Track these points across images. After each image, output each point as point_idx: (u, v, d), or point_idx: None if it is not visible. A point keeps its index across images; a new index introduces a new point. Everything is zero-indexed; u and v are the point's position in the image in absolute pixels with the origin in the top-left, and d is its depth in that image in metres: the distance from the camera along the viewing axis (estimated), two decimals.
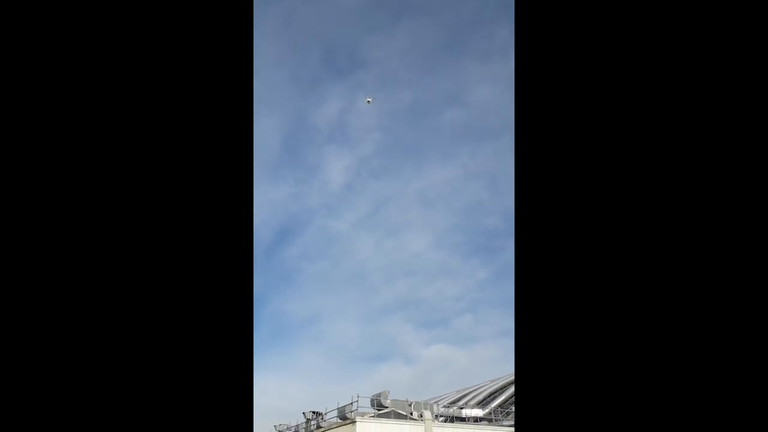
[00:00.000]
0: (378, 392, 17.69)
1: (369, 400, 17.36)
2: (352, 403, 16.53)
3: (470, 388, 31.65)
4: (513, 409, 22.86)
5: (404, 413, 16.85)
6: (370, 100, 36.62)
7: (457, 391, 32.10)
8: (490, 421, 20.87)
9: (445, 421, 18.59)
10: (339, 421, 16.77)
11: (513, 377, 26.58)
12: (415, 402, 17.71)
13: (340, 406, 17.42)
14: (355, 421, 14.79)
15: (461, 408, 21.71)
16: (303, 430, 19.96)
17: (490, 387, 29.02)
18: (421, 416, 16.45)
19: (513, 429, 18.51)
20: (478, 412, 21.74)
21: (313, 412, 19.67)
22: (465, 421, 19.72)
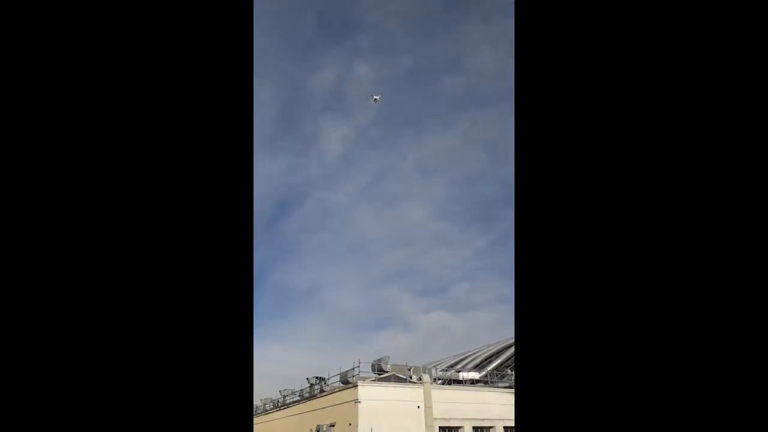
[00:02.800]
0: (378, 358, 18.32)
1: (370, 365, 18.01)
2: (353, 369, 17.14)
3: (467, 352, 32.68)
4: (508, 371, 23.66)
5: (404, 377, 17.52)
6: (377, 98, 34.26)
7: (455, 356, 33.16)
8: (486, 383, 21.69)
9: (443, 384, 19.37)
10: (341, 385, 17.46)
11: (509, 341, 27.39)
12: (414, 366, 18.38)
13: (342, 371, 18.05)
14: (357, 385, 15.43)
15: (458, 371, 22.52)
16: (307, 394, 20.76)
17: (486, 351, 29.98)
18: (420, 380, 17.14)
19: (507, 390, 19.36)
20: (475, 375, 22.58)
21: (317, 378, 20.38)
22: (462, 383, 20.52)
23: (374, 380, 16.93)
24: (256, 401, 34.23)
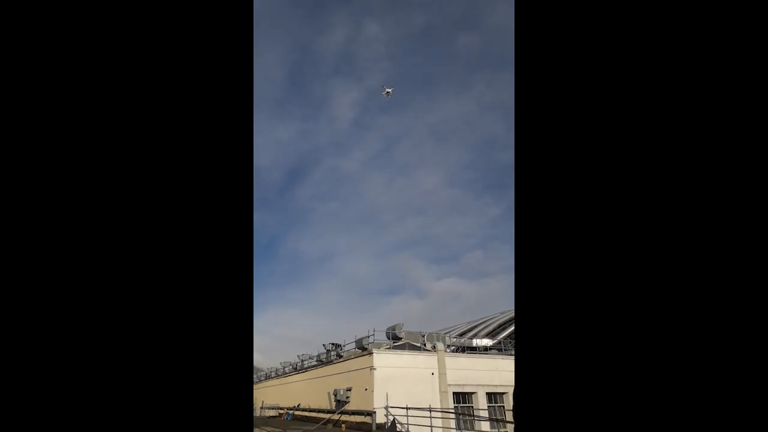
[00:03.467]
0: (393, 325, 18.71)
1: (384, 333, 18.44)
2: (368, 336, 17.57)
3: (481, 319, 33.12)
4: None
5: (418, 345, 17.88)
6: (389, 90, 31.65)
7: (468, 323, 33.67)
8: (499, 350, 22.06)
9: (456, 351, 19.74)
10: (357, 350, 17.96)
11: None
12: (429, 333, 18.73)
13: (357, 338, 18.54)
14: (372, 353, 15.81)
15: (472, 338, 22.90)
16: (324, 359, 21.46)
17: (499, 319, 30.33)
18: (434, 347, 17.46)
19: None
20: (488, 342, 22.97)
21: (333, 344, 21.02)
22: (475, 350, 20.90)
23: (389, 348, 17.33)
24: (275, 364, 35.84)
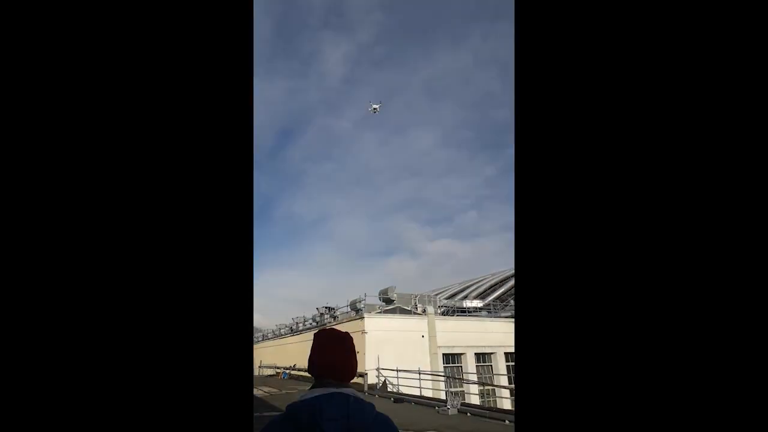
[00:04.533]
0: (385, 287, 19.07)
1: (377, 296, 18.82)
2: (360, 301, 17.92)
3: (472, 280, 33.85)
4: (510, 301, 24.61)
5: (408, 308, 18.31)
6: (376, 107, 27.72)
7: (460, 283, 34.45)
8: (489, 311, 22.66)
9: (446, 313, 20.26)
10: (350, 315, 18.37)
11: (512, 271, 28.19)
12: (420, 295, 19.14)
13: (350, 301, 18.92)
14: (364, 317, 16.18)
15: (462, 300, 23.45)
16: (317, 322, 22.00)
17: (491, 280, 31.00)
18: (425, 311, 17.89)
19: (509, 319, 20.22)
20: (478, 304, 23.58)
21: (326, 307, 21.47)
22: (465, 312, 21.45)
23: (380, 312, 17.72)
24: (272, 326, 36.80)
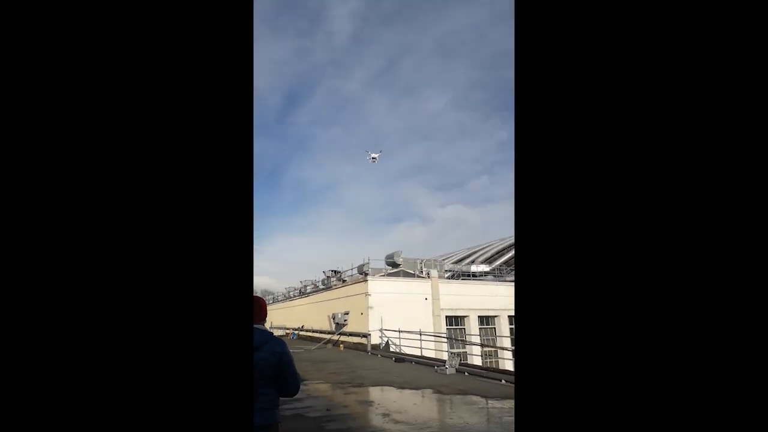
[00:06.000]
0: (391, 252, 19.20)
1: (383, 261, 19.01)
2: (363, 265, 18.12)
3: (479, 246, 33.86)
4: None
5: (412, 272, 18.45)
6: (375, 156, 25.06)
7: (467, 249, 34.51)
8: (495, 276, 22.74)
9: (452, 277, 20.38)
10: (355, 277, 18.63)
11: None
12: (426, 260, 19.24)
13: (354, 266, 19.17)
14: (368, 280, 16.37)
15: (469, 265, 23.53)
16: (323, 284, 22.42)
17: (498, 245, 30.96)
18: (428, 275, 18.00)
19: (513, 283, 20.27)
20: (485, 268, 23.65)
21: (332, 271, 21.80)
22: (470, 277, 21.56)
23: (384, 275, 17.90)
24: (281, 289, 37.72)
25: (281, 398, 2.06)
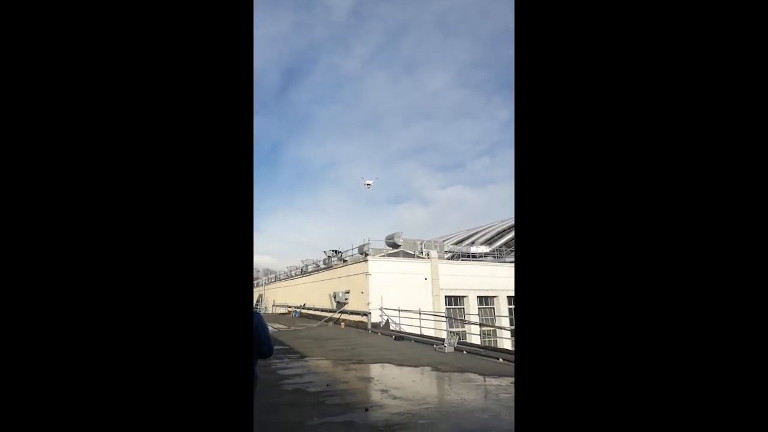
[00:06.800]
0: (392, 233, 19.26)
1: (383, 242, 19.09)
2: (364, 245, 18.21)
3: (480, 227, 33.94)
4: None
5: (412, 252, 18.54)
6: (370, 183, 24.55)
7: (468, 230, 34.61)
8: (495, 257, 22.86)
9: (452, 258, 20.49)
10: (356, 257, 18.76)
11: None
12: (426, 241, 19.33)
13: (356, 245, 19.28)
14: (368, 260, 16.48)
15: (469, 246, 23.62)
16: (324, 264, 22.59)
17: (499, 227, 31.02)
18: (428, 255, 18.11)
19: (512, 264, 20.42)
20: (485, 249, 23.76)
21: (333, 251, 21.93)
22: (470, 258, 21.68)
23: (384, 255, 18.00)
24: (283, 267, 38.01)
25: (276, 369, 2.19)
